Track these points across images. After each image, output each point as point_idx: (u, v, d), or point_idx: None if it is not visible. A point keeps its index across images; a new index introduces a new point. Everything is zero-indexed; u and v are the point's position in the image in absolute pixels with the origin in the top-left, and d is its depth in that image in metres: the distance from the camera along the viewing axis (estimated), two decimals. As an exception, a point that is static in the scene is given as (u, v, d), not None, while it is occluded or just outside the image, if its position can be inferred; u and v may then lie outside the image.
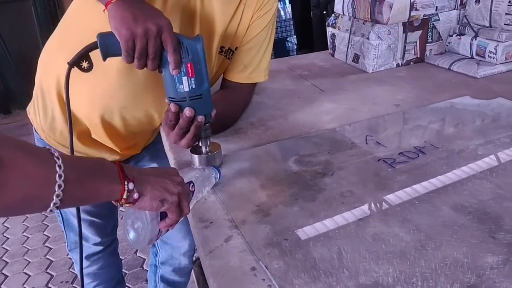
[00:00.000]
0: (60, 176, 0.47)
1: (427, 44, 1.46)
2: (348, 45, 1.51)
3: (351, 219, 0.68)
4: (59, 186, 0.47)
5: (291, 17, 3.87)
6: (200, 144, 0.84)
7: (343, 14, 1.55)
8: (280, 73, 1.48)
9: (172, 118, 0.78)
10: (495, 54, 1.29)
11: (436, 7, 1.40)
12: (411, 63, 1.46)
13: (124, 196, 0.55)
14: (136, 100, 0.96)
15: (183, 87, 0.76)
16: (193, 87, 0.76)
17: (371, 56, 1.39)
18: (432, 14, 1.41)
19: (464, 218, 0.66)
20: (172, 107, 0.77)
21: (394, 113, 1.08)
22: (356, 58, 1.48)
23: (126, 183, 0.55)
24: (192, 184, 0.69)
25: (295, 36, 3.94)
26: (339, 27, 1.57)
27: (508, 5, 1.29)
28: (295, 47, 3.96)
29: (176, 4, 0.88)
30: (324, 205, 0.72)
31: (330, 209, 0.71)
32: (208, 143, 0.84)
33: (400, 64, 1.45)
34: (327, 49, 1.67)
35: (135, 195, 0.56)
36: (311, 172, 0.82)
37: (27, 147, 0.47)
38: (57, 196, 0.47)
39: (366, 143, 0.92)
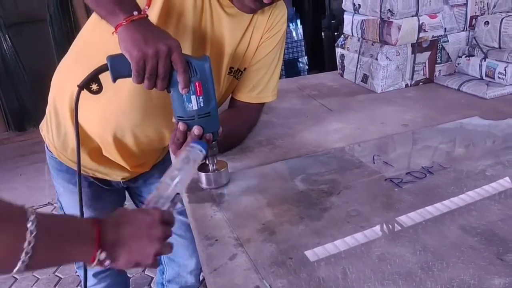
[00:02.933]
0: (29, 243, 0.48)
1: (436, 65, 1.46)
2: (357, 66, 1.52)
3: (356, 239, 0.68)
4: (26, 253, 0.48)
5: (302, 38, 3.91)
6: (207, 162, 0.85)
7: (352, 35, 1.57)
8: (289, 93, 1.49)
9: (180, 136, 0.79)
10: (505, 75, 1.29)
11: (445, 28, 1.41)
12: (420, 83, 1.47)
13: (94, 263, 0.55)
14: (147, 119, 0.98)
15: (192, 106, 0.77)
16: (202, 105, 0.77)
17: (380, 77, 1.40)
18: (441, 35, 1.42)
19: (472, 239, 0.65)
20: (181, 126, 0.78)
21: (402, 133, 1.08)
22: (365, 78, 1.48)
23: (99, 252, 0.55)
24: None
25: (306, 57, 3.97)
26: (348, 47, 1.58)
27: (517, 26, 1.29)
28: (306, 67, 3.99)
29: (188, 26, 0.90)
30: (330, 224, 0.72)
31: (336, 228, 0.71)
32: (215, 161, 0.85)
33: (409, 85, 1.45)
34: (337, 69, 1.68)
35: (107, 263, 0.56)
36: (317, 191, 0.82)
37: None
38: (23, 262, 0.48)
39: (374, 162, 0.92)
